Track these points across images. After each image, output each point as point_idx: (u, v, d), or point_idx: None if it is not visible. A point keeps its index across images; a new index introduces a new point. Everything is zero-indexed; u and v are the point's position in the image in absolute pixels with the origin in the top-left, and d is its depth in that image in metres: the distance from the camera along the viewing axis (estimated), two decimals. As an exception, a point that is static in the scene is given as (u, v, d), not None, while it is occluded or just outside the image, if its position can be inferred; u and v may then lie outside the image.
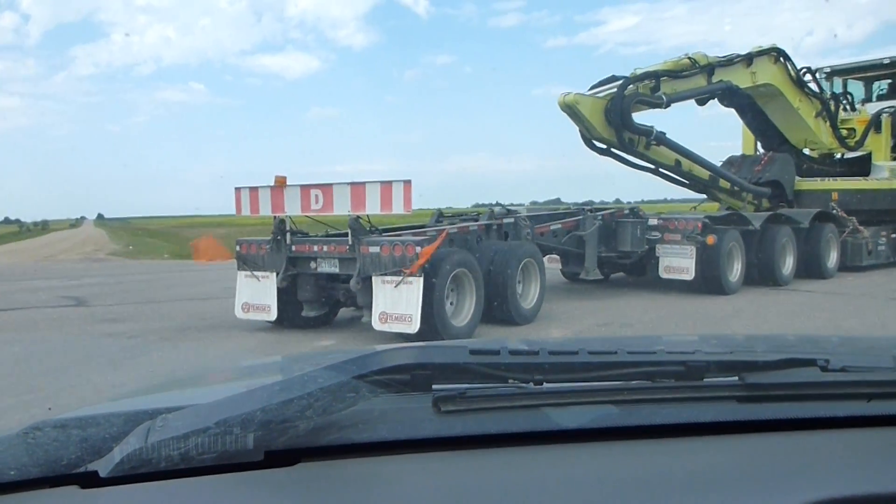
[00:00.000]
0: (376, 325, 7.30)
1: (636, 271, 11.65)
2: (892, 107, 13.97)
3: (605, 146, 11.07)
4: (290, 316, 8.30)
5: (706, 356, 1.10)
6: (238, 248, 8.42)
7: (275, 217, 8.21)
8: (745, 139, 14.59)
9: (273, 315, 8.16)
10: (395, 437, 0.97)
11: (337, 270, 7.99)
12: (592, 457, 0.97)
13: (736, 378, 1.08)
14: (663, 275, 10.78)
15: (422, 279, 7.22)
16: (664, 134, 11.02)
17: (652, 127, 10.82)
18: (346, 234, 7.90)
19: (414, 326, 7.07)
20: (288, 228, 8.20)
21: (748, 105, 12.86)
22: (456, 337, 7.25)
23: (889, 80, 14.72)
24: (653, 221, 10.86)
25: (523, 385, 1.03)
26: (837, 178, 13.50)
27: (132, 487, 0.86)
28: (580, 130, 10.82)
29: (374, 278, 7.43)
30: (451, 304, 7.75)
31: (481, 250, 8.52)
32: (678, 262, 10.59)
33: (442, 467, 0.94)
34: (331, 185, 7.80)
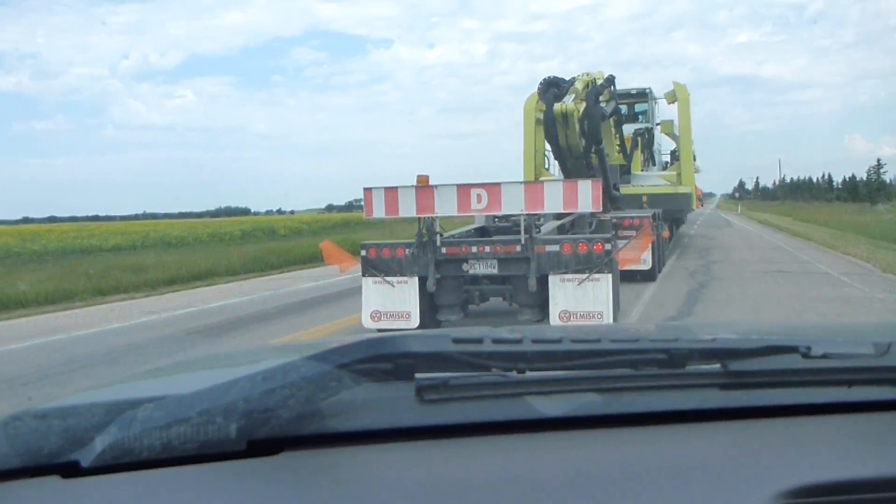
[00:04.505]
0: (555, 322, 7.18)
1: None
2: (641, 128, 17.05)
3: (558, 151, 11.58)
4: (426, 322, 7.84)
5: (688, 344, 1.11)
6: (364, 252, 7.85)
7: (420, 219, 7.68)
8: (526, 153, 15.55)
9: (415, 322, 7.68)
10: (378, 426, 0.97)
11: (496, 272, 7.68)
12: (575, 445, 0.98)
13: (718, 365, 1.09)
14: (621, 266, 11.61)
15: (611, 276, 7.14)
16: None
17: (602, 138, 11.63)
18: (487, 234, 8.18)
19: (607, 322, 7.04)
20: (437, 230, 7.77)
21: None
22: None
23: (632, 105, 17.61)
24: (605, 218, 11.82)
25: (506, 374, 1.02)
26: (644, 185, 15.53)
27: (114, 477, 0.86)
28: (556, 137, 11.08)
29: (550, 277, 7.30)
30: None
31: None
32: (636, 255, 11.75)
33: (425, 456, 0.94)
34: (498, 184, 7.45)
